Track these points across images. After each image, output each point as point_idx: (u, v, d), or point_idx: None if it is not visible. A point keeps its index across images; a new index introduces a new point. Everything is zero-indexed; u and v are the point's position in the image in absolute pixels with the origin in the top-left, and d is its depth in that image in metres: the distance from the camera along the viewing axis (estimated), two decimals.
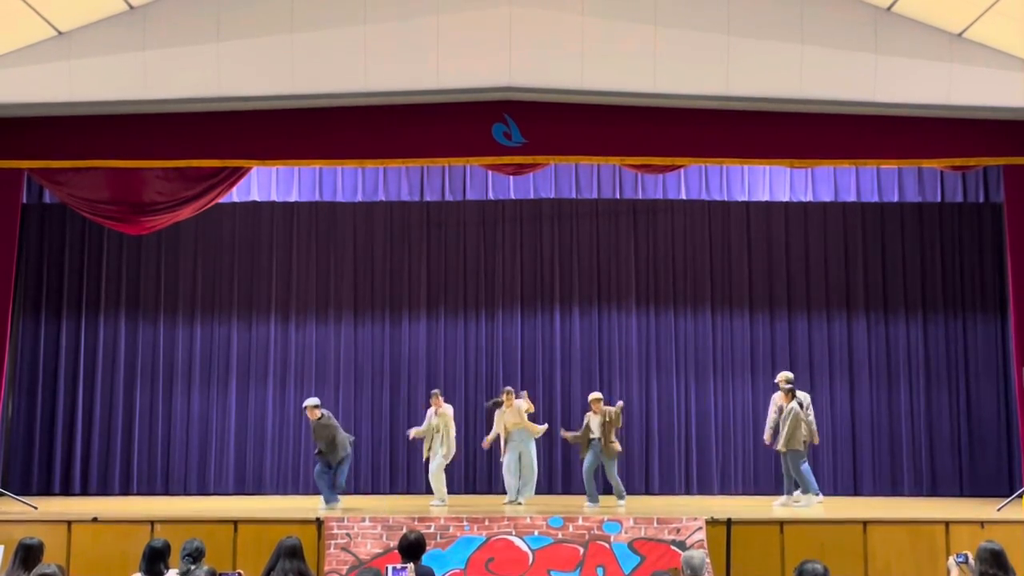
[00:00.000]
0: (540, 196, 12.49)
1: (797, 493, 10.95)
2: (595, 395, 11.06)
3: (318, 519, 9.28)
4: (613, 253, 13.19)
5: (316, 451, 10.87)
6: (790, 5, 10.35)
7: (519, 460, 11.12)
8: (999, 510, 10.15)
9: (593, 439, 10.81)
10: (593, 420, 10.86)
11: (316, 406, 10.84)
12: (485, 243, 13.21)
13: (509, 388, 11.36)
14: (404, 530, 7.74)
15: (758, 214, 13.07)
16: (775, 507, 10.76)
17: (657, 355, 13.00)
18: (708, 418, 12.85)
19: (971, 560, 6.13)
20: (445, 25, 10.28)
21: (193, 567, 6.28)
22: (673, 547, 9.07)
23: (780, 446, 10.85)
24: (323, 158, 11.08)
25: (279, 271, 13.10)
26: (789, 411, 10.83)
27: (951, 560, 6.45)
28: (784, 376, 11.41)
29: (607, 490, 11.18)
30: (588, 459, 10.87)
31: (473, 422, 12.69)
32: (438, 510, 10.30)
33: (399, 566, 6.07)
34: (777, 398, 11.18)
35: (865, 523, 9.38)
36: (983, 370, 12.70)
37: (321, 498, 10.75)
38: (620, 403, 11.12)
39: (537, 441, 11.36)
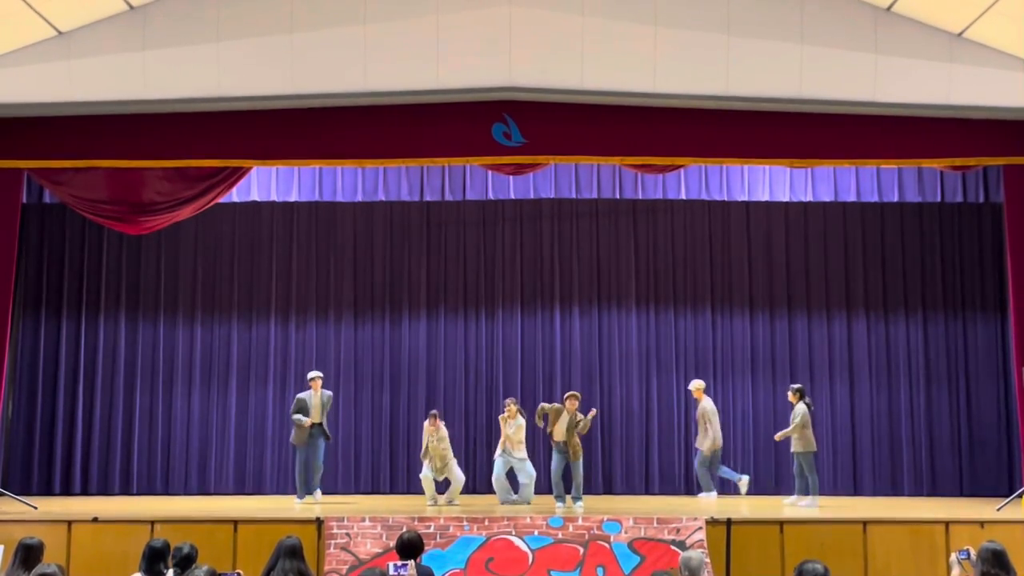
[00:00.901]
0: (540, 196, 12.50)
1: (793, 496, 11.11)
2: (574, 393, 11.01)
3: (318, 519, 9.28)
4: (613, 253, 13.18)
5: (299, 436, 11.13)
6: (790, 5, 10.35)
7: (507, 471, 11.09)
8: (999, 510, 10.16)
9: (558, 441, 10.75)
10: (562, 419, 10.76)
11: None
12: (485, 243, 13.21)
13: (511, 399, 11.29)
14: (403, 530, 7.74)
15: (758, 214, 13.07)
16: (785, 505, 11.02)
17: (657, 355, 13.00)
18: None
19: (973, 555, 6.13)
20: (445, 25, 10.28)
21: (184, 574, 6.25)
22: (673, 547, 9.06)
23: (792, 447, 11.12)
24: (323, 158, 11.08)
25: (279, 271, 13.10)
26: (796, 413, 11.02)
27: (954, 556, 6.45)
28: (697, 384, 12.02)
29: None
30: (556, 460, 10.78)
31: (473, 422, 12.70)
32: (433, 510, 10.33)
33: (400, 563, 6.07)
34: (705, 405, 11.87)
35: (865, 523, 9.38)
36: (983, 370, 12.70)
37: (298, 495, 11.18)
38: (593, 411, 11.00)
39: (539, 442, 11.36)
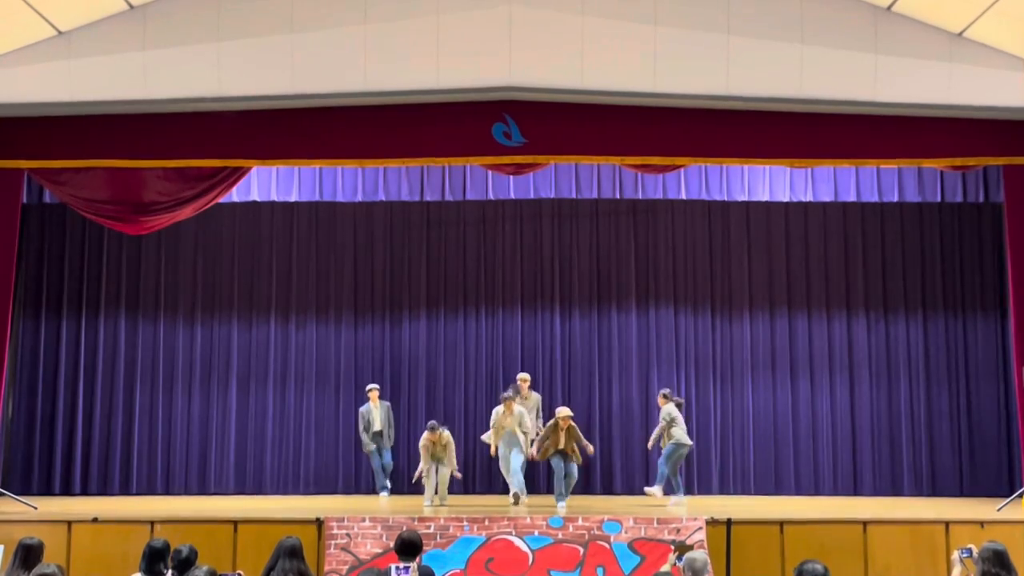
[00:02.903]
0: (540, 196, 12.49)
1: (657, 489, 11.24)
2: (566, 412, 11.02)
3: (318, 519, 9.28)
4: (613, 253, 13.18)
5: (369, 440, 11.89)
6: (790, 5, 10.35)
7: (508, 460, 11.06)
8: (999, 510, 10.16)
9: (561, 450, 10.86)
10: (561, 435, 10.87)
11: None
12: (485, 243, 13.20)
13: (509, 395, 11.29)
14: (404, 530, 7.74)
15: (758, 214, 13.07)
16: (647, 491, 11.28)
17: (657, 355, 12.99)
18: (708, 418, 12.85)
19: (975, 554, 6.13)
20: (445, 25, 10.29)
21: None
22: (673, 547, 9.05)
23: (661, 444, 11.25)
24: (323, 158, 11.08)
25: (279, 271, 13.09)
26: (664, 415, 11.19)
27: (955, 554, 6.46)
28: (522, 377, 11.97)
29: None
30: (556, 463, 10.86)
31: (472, 422, 12.70)
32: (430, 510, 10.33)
33: (402, 566, 6.06)
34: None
35: (865, 523, 9.39)
36: (983, 370, 12.69)
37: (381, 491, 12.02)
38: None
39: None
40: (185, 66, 10.34)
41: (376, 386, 12.24)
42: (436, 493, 10.97)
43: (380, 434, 12.06)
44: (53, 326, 12.81)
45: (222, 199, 11.29)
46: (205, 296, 13.01)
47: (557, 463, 10.83)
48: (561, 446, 10.82)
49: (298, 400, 12.84)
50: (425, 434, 10.98)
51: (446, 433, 11.00)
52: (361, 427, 12.06)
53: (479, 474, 12.61)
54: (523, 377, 11.95)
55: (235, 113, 10.53)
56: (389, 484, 12.15)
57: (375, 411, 12.08)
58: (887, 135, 10.65)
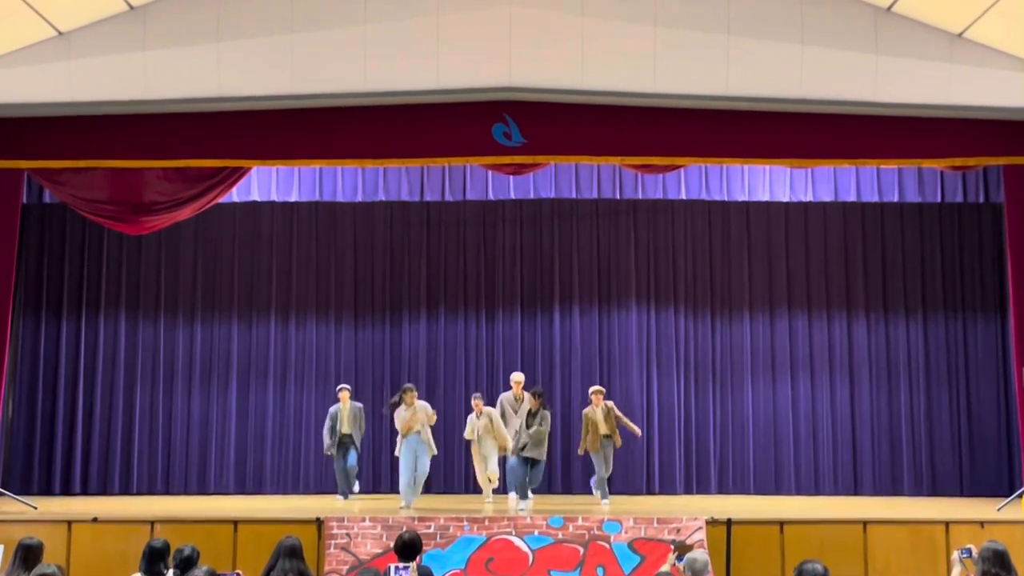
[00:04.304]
0: (540, 196, 12.50)
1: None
2: (598, 387, 11.10)
3: (318, 519, 9.28)
4: (613, 253, 13.18)
5: (340, 441, 11.53)
6: (790, 5, 10.35)
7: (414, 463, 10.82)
8: (999, 510, 10.16)
9: (603, 435, 10.90)
10: (598, 415, 10.89)
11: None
12: (485, 243, 13.20)
13: (410, 385, 11.12)
14: (403, 530, 7.74)
15: (758, 214, 13.07)
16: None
17: (657, 355, 12.99)
18: (708, 418, 12.85)
19: (975, 554, 6.13)
20: (445, 25, 10.28)
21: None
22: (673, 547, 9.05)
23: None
24: (323, 158, 11.08)
25: (279, 271, 13.10)
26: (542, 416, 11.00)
27: (955, 554, 6.45)
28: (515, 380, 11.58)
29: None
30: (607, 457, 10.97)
31: None
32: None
33: (401, 566, 6.05)
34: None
35: (865, 523, 9.39)
36: (983, 370, 12.70)
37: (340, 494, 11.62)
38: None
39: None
40: (185, 66, 10.34)
41: (346, 386, 11.87)
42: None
43: (349, 436, 11.58)
44: (53, 326, 12.82)
45: (222, 199, 11.30)
46: (205, 296, 13.02)
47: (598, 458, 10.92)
48: (604, 431, 10.85)
49: (298, 400, 12.85)
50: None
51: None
52: (326, 427, 11.64)
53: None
54: (516, 380, 11.52)
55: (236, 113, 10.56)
56: (357, 488, 11.81)
57: (344, 412, 11.65)
58: (887, 135, 10.65)
